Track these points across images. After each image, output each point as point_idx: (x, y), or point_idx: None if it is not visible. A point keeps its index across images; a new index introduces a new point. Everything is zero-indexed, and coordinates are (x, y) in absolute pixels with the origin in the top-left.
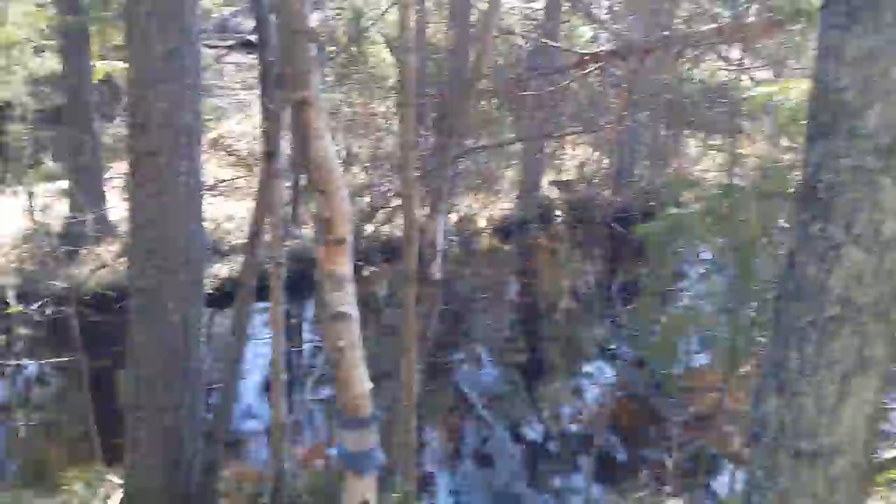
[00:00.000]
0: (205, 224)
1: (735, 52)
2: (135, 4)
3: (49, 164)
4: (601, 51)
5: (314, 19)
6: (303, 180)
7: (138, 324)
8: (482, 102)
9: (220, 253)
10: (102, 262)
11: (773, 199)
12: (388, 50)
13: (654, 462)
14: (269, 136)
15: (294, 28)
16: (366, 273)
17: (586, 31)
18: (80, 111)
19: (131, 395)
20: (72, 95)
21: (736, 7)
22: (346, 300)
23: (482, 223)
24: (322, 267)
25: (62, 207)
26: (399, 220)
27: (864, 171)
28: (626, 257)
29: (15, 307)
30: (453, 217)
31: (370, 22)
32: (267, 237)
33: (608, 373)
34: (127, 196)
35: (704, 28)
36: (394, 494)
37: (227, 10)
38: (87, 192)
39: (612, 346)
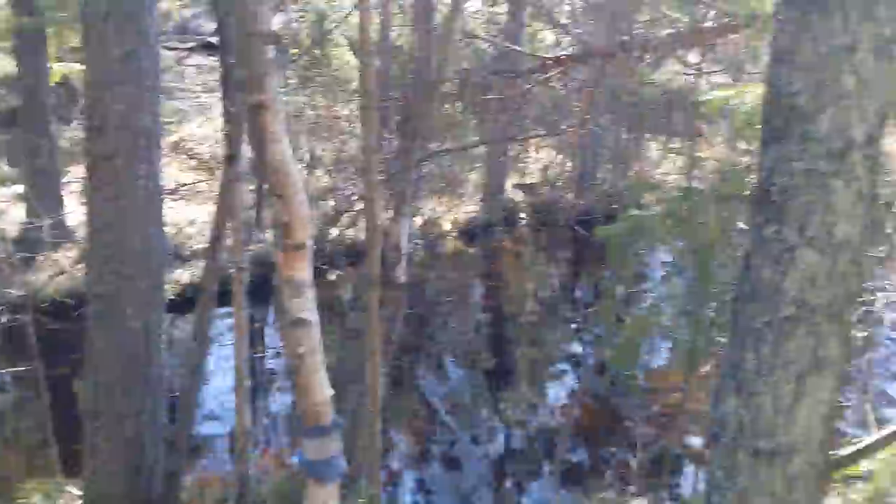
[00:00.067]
0: (166, 228)
1: (694, 57)
2: (91, 6)
3: (4, 167)
4: (563, 55)
5: (276, 22)
6: (266, 184)
7: (97, 330)
8: (446, 106)
9: (181, 258)
10: (60, 269)
11: (730, 201)
12: (352, 53)
13: (618, 462)
14: (231, 139)
15: (250, 30)
16: (331, 277)
17: (549, 36)
18: (37, 114)
19: (90, 402)
20: (28, 97)
21: (694, 12)
22: (306, 306)
23: (447, 226)
24: (281, 272)
25: (18, 212)
26: (363, 224)
27: (817, 175)
28: (589, 260)
29: None
30: (418, 220)
31: (333, 24)
32: (229, 241)
33: (573, 375)
34: (85, 200)
35: (663, 33)
36: (359, 500)
37: (187, 12)
38: (44, 196)
39: (577, 349)
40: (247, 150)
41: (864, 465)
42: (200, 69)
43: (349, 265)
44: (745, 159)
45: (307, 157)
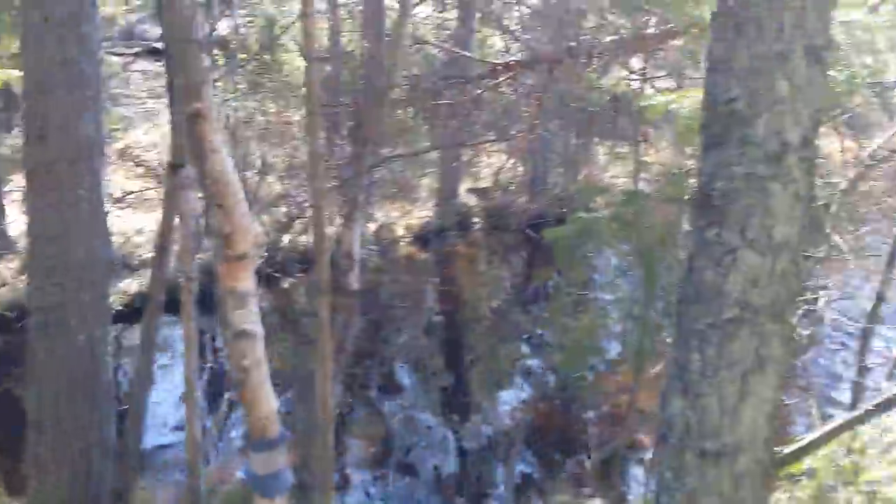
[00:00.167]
0: (113, 238)
1: (637, 62)
2: (30, 11)
3: None
4: (512, 61)
5: (224, 27)
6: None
7: (39, 342)
8: (398, 111)
9: (129, 267)
10: (1, 280)
11: (674, 204)
12: (302, 58)
13: (572, 464)
14: (175, 146)
15: (185, 37)
16: (284, 284)
17: (498, 42)
18: None
19: (33, 415)
20: None
21: (636, 19)
22: (250, 318)
23: (400, 232)
24: (223, 284)
25: None
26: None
27: (756, 179)
28: (542, 263)
29: None
30: (371, 226)
31: (282, 29)
32: (177, 250)
33: (526, 379)
34: (26, 209)
35: (608, 39)
36: None
37: (133, 17)
38: None
39: (530, 352)
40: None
41: (807, 463)
42: (146, 75)
43: (302, 272)
44: (691, 162)
45: (258, 163)
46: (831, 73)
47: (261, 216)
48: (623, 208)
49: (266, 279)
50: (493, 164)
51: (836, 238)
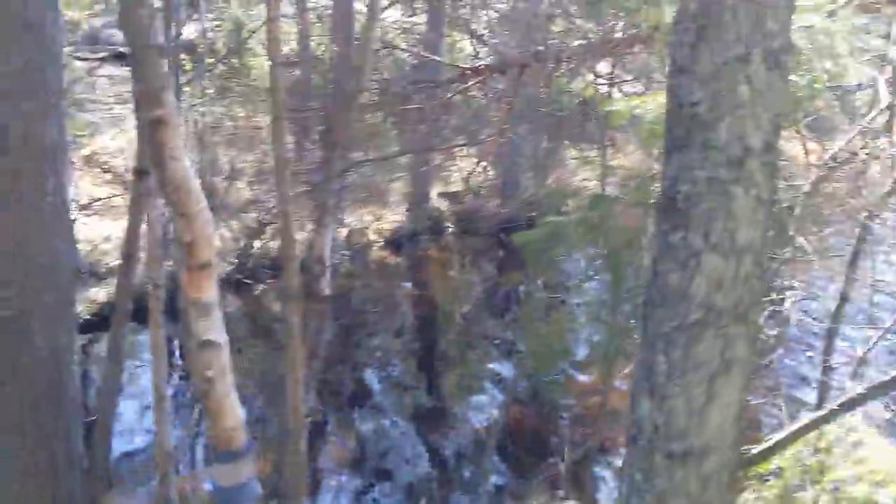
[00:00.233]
0: (80, 245)
1: (605, 67)
2: None
3: None
4: (481, 65)
5: (191, 31)
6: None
7: (2, 352)
8: (368, 116)
9: (97, 275)
10: None
11: (640, 208)
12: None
13: (546, 468)
14: (142, 152)
15: (144, 43)
16: (255, 291)
17: (467, 46)
18: None
19: None
20: None
21: (603, 23)
22: (214, 327)
23: (372, 236)
24: (187, 293)
25: None
26: None
27: (718, 182)
28: (513, 267)
29: None
30: (343, 231)
31: (250, 33)
32: (144, 257)
33: (500, 382)
34: None
35: (576, 43)
36: None
37: (98, 21)
38: None
39: (502, 356)
40: None
41: (774, 462)
42: (113, 80)
43: (273, 278)
44: (656, 166)
45: (227, 168)
46: (792, 77)
47: (230, 222)
48: (590, 212)
49: (236, 285)
50: (464, 169)
51: (801, 239)
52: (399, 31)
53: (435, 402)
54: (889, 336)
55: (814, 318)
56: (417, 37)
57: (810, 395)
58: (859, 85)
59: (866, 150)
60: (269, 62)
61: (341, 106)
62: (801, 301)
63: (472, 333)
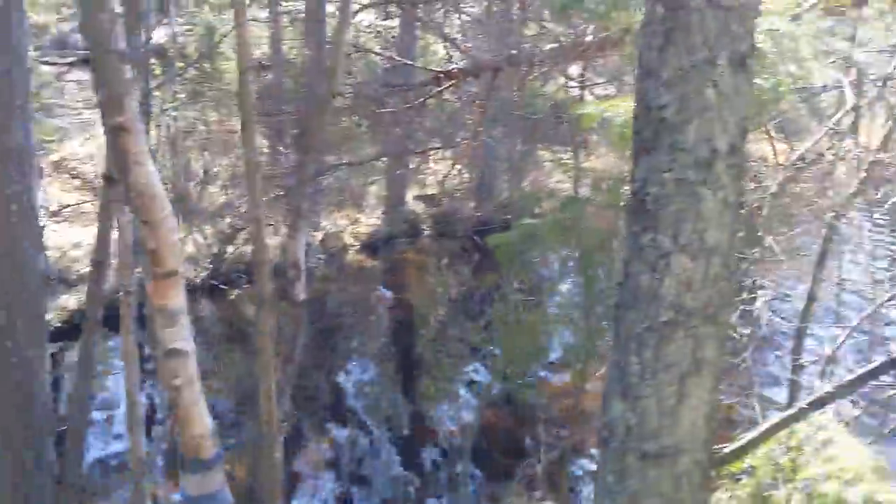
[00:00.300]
0: (49, 252)
1: (577, 70)
2: None
3: None
4: (455, 68)
5: (161, 35)
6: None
7: None
8: (342, 119)
9: (67, 283)
10: None
11: (612, 210)
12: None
13: (523, 469)
14: (111, 158)
15: (105, 49)
16: (230, 296)
17: (441, 49)
18: None
19: None
20: None
21: (574, 26)
22: (181, 335)
23: (349, 240)
24: (153, 301)
25: None
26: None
27: (687, 184)
28: (488, 269)
29: None
30: (319, 235)
31: (222, 37)
32: (115, 264)
33: (477, 384)
34: None
35: (548, 47)
36: None
37: (66, 26)
38: None
39: (480, 358)
40: None
41: (747, 461)
42: (81, 85)
43: (248, 283)
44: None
45: (201, 172)
46: (757, 80)
47: (204, 227)
48: (562, 214)
49: (211, 290)
50: (439, 172)
51: (769, 239)
52: (372, 35)
53: (411, 406)
54: (855, 334)
55: (782, 318)
56: (391, 39)
57: (782, 394)
58: (825, 87)
59: (832, 151)
60: (239, 67)
61: (314, 110)
62: (771, 301)
63: (448, 336)
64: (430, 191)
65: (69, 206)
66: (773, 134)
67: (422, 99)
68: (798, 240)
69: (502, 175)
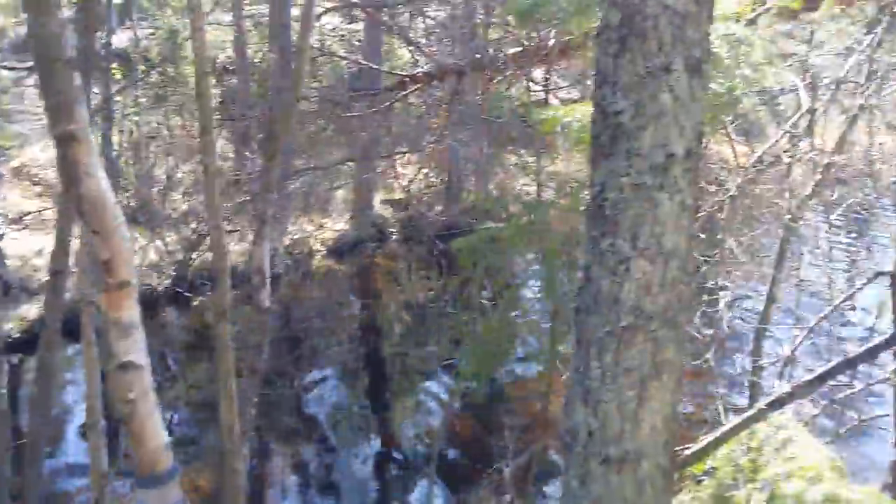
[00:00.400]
0: (9, 261)
1: (542, 74)
2: None
3: None
4: (419, 73)
5: (123, 39)
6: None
7: None
8: (309, 124)
9: (27, 291)
10: None
11: (575, 213)
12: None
13: (492, 472)
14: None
15: (54, 56)
16: (195, 303)
17: (405, 54)
18: None
19: None
20: None
21: (538, 31)
22: (135, 348)
23: (316, 245)
24: (106, 314)
25: None
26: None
27: (644, 189)
28: (457, 273)
29: None
30: (286, 240)
31: (186, 41)
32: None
33: (445, 388)
34: None
35: (511, 51)
36: None
37: (24, 30)
38: None
39: (447, 362)
40: None
41: (708, 463)
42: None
43: (213, 290)
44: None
45: (164, 178)
46: (713, 85)
47: (167, 234)
48: (526, 218)
49: (175, 298)
50: (406, 176)
51: (730, 241)
52: (337, 38)
53: (377, 413)
54: (813, 335)
55: (742, 319)
56: (357, 43)
57: (743, 396)
58: (782, 89)
59: (789, 154)
60: (196, 72)
61: (280, 114)
62: (733, 302)
63: (414, 342)
64: (397, 195)
65: (30, 213)
66: (733, 136)
67: (388, 103)
68: (758, 241)
69: (469, 179)
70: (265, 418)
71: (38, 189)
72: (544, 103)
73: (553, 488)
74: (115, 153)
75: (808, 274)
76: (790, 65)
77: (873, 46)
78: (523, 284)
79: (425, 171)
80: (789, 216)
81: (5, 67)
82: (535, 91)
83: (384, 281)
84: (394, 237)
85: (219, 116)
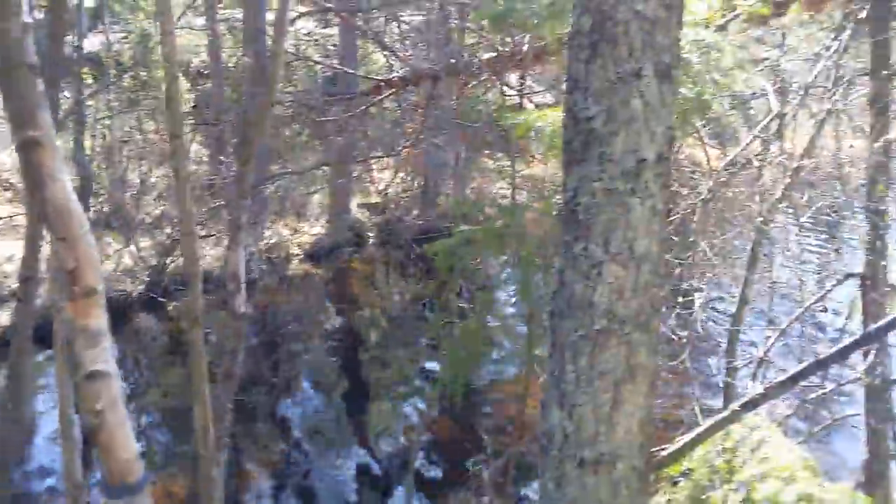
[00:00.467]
0: None
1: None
2: None
3: None
4: (395, 77)
5: (95, 42)
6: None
7: None
8: (284, 128)
9: None
10: None
11: (549, 217)
12: (182, 74)
13: (472, 474)
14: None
15: (15, 61)
16: (169, 308)
17: (380, 59)
18: None
19: None
20: None
21: (513, 36)
22: (103, 356)
23: (293, 249)
24: (73, 322)
25: None
26: (204, 251)
27: (616, 194)
28: (434, 277)
29: None
30: (262, 245)
31: (158, 45)
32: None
33: (424, 392)
34: None
35: (486, 56)
36: None
37: None
38: None
39: (426, 365)
40: None
41: (684, 464)
42: None
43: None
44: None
45: (138, 183)
46: (683, 90)
47: (140, 239)
48: (501, 221)
49: (149, 303)
50: (382, 180)
51: (703, 244)
52: (312, 43)
53: (355, 417)
54: (784, 337)
55: (714, 322)
56: (332, 48)
57: (718, 397)
58: (753, 94)
59: (760, 157)
60: (166, 76)
61: (255, 118)
62: (707, 304)
63: (392, 346)
64: (374, 199)
65: (1, 218)
66: (705, 140)
67: (363, 107)
68: (730, 244)
69: (445, 183)
70: (241, 424)
71: (8, 195)
72: (519, 107)
73: (532, 490)
74: (87, 158)
75: (779, 275)
76: (760, 70)
77: (840, 52)
78: (499, 287)
79: (401, 175)
80: (761, 219)
81: None
82: (509, 95)
83: (361, 285)
84: (371, 241)
85: (193, 121)
